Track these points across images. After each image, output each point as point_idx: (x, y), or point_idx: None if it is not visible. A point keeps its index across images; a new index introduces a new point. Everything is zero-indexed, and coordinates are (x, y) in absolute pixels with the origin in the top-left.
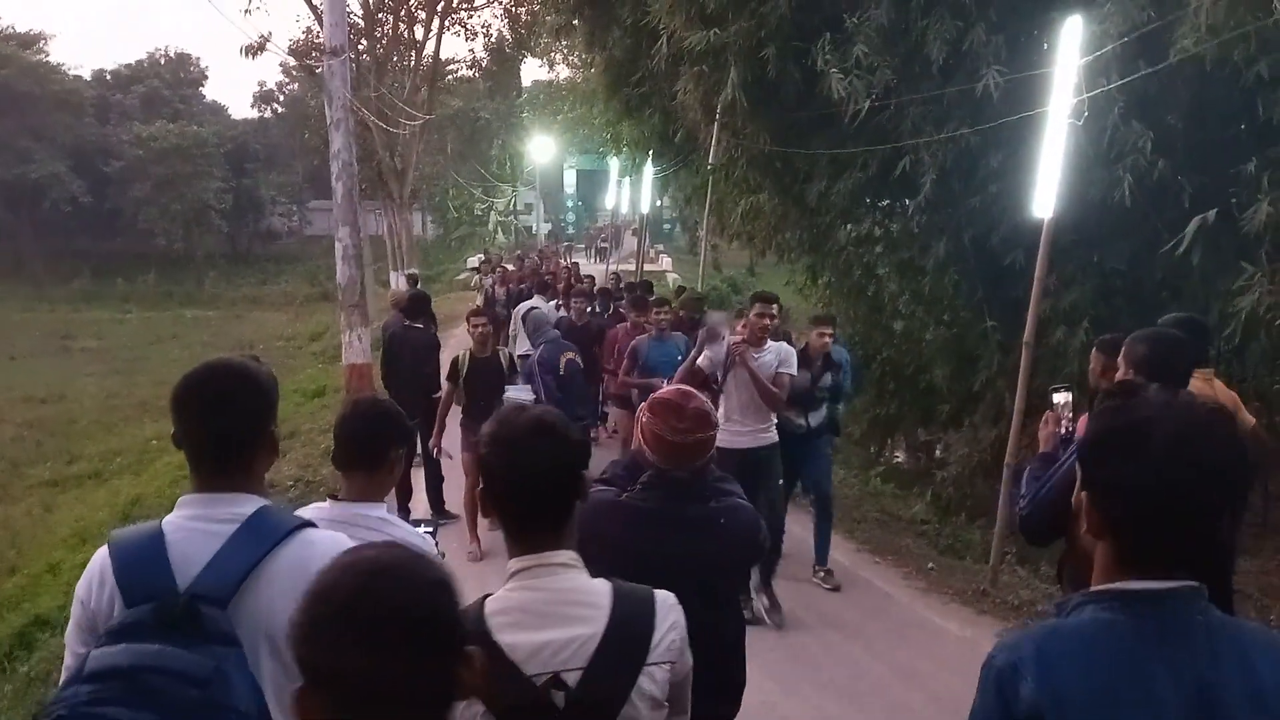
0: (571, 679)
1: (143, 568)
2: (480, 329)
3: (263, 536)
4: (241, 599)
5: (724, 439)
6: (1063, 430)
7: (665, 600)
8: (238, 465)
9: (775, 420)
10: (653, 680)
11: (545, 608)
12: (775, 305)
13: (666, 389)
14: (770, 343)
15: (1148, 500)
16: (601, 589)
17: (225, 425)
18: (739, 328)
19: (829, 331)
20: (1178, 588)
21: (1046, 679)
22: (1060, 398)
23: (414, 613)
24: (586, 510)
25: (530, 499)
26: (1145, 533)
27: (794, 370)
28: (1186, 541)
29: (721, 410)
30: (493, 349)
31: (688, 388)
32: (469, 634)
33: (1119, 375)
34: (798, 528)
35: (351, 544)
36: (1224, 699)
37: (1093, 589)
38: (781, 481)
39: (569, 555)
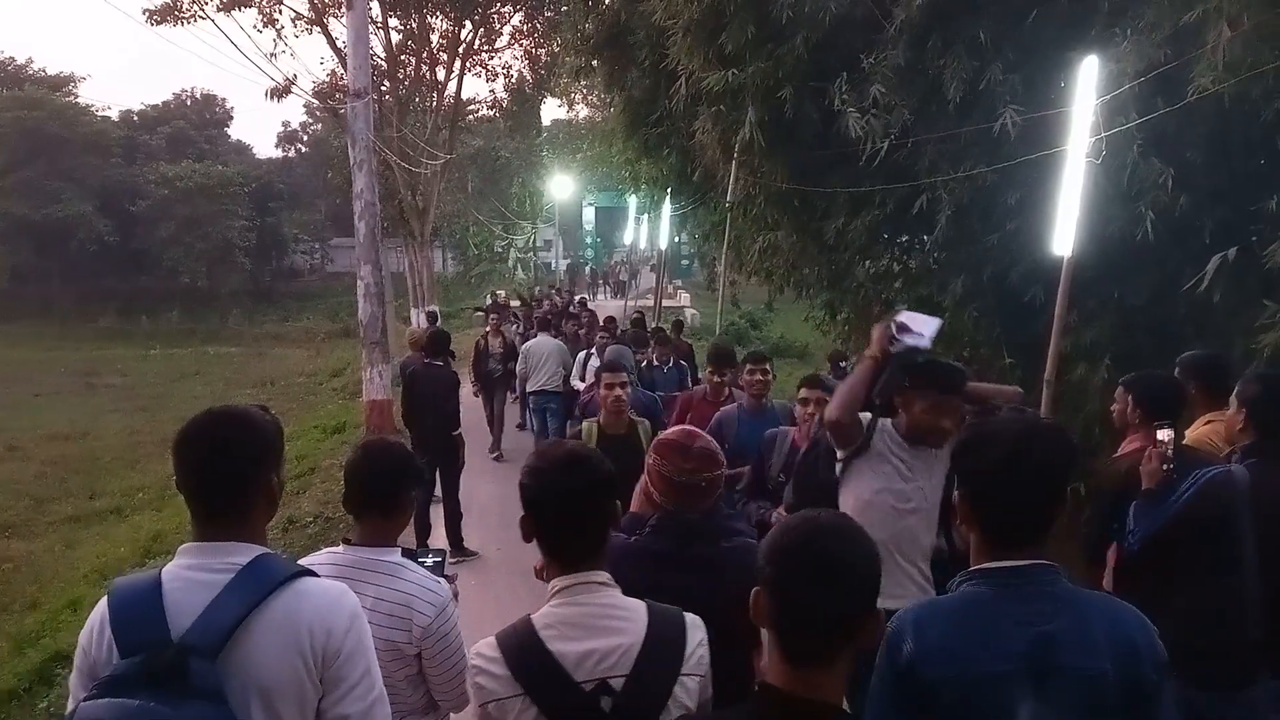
0: (616, 685)
1: (138, 618)
2: (618, 392)
3: (256, 586)
4: (232, 650)
5: None
6: (1166, 467)
7: (694, 620)
8: (236, 514)
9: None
10: (686, 690)
11: (588, 620)
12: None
13: (672, 429)
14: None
15: (998, 489)
16: (637, 605)
17: (223, 474)
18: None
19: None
20: (1030, 565)
21: (920, 639)
22: (1164, 434)
23: (860, 568)
24: None
25: (567, 523)
26: (1000, 517)
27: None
28: (1033, 524)
29: None
30: (629, 422)
31: (693, 428)
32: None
33: (1230, 414)
34: None
35: (349, 592)
36: (1058, 644)
37: (967, 570)
38: None
39: (604, 575)
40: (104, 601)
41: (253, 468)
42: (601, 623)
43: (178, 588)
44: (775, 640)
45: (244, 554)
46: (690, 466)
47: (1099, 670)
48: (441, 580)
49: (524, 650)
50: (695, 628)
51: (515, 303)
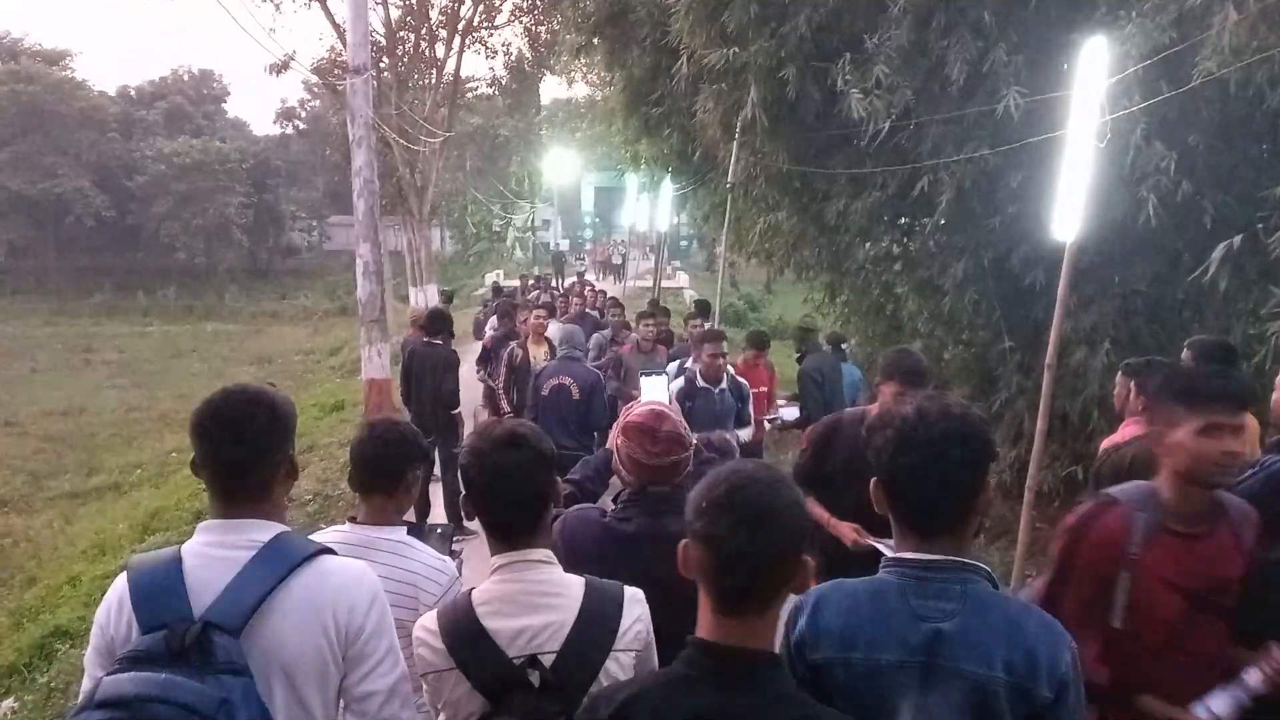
0: (547, 660)
1: (159, 594)
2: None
3: (277, 564)
4: (254, 627)
5: None
6: None
7: (633, 595)
8: (255, 491)
9: None
10: (619, 665)
11: (523, 597)
12: None
13: (639, 409)
14: None
15: (909, 472)
16: (574, 582)
17: (242, 452)
18: None
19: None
20: (944, 560)
21: (812, 619)
22: None
23: (785, 514)
24: (570, 530)
25: (505, 502)
26: (911, 502)
27: None
28: (945, 511)
29: None
30: None
31: (661, 408)
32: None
33: (1277, 397)
34: None
35: (369, 570)
36: (949, 644)
37: (890, 557)
38: None
39: (544, 553)
40: (122, 578)
41: (273, 445)
42: (536, 600)
43: (199, 565)
44: (705, 591)
45: (264, 531)
46: (658, 450)
47: (987, 676)
48: (447, 558)
49: (460, 626)
50: (634, 603)
51: (513, 282)
